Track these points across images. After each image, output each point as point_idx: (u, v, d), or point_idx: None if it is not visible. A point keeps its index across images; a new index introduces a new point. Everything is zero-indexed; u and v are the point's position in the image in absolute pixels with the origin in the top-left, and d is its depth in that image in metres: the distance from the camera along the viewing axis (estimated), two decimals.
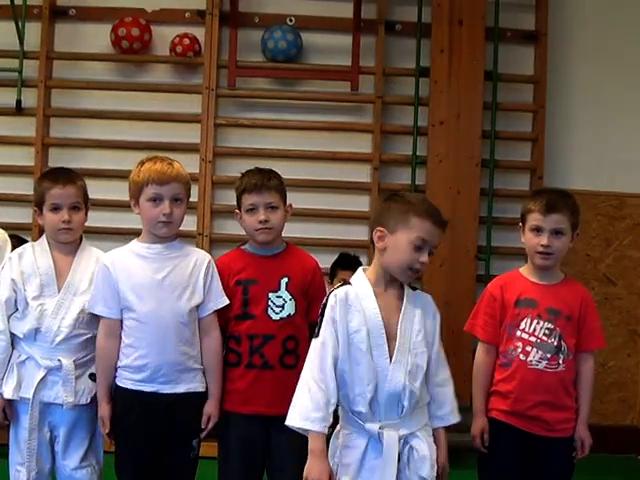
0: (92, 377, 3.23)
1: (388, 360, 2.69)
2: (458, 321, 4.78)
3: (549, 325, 3.22)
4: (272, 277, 3.29)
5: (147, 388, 3.15)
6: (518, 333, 3.24)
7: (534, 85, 5.43)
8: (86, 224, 3.36)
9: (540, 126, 5.37)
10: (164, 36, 5.34)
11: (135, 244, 3.28)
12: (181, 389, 3.19)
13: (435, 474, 2.73)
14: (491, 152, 5.31)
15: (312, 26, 5.39)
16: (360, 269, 2.83)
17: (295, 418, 2.64)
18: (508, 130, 5.42)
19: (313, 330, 2.79)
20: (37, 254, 3.27)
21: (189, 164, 3.35)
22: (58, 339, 3.18)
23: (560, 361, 3.21)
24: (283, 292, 3.28)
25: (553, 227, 3.23)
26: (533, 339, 3.22)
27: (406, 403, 2.70)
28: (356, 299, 2.71)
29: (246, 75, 5.39)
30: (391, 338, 2.71)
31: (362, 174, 5.40)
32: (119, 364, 3.19)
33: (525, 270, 3.37)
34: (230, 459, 3.27)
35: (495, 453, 3.27)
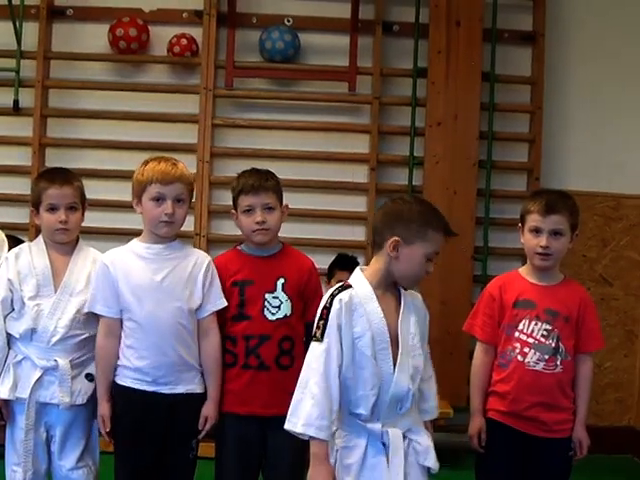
0: (88, 377, 3.23)
1: (391, 364, 2.69)
2: (455, 322, 4.81)
3: (547, 326, 3.23)
4: (268, 278, 3.29)
5: (147, 388, 3.16)
6: (516, 334, 3.25)
7: (531, 86, 5.43)
8: (83, 224, 3.36)
9: (537, 127, 5.37)
10: (162, 36, 5.33)
11: (135, 244, 3.28)
12: (181, 390, 3.19)
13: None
14: (488, 153, 5.32)
15: (310, 26, 5.39)
16: (358, 270, 2.81)
17: (297, 424, 2.63)
18: (505, 131, 5.43)
19: (309, 331, 2.78)
20: (34, 254, 3.27)
21: (186, 164, 3.34)
22: (54, 339, 3.18)
23: (558, 362, 3.22)
24: (279, 293, 3.28)
25: (552, 228, 3.23)
26: (531, 340, 3.23)
27: (407, 404, 2.72)
28: (359, 303, 2.70)
29: (243, 75, 5.39)
30: (392, 341, 2.71)
31: (359, 174, 5.40)
32: (119, 363, 3.19)
33: (524, 271, 3.37)
34: (226, 459, 3.28)
35: (492, 453, 3.27)
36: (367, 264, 2.93)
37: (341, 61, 5.32)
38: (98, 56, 5.36)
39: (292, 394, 2.68)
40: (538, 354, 3.21)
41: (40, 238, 3.33)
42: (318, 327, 2.68)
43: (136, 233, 3.34)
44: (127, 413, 3.17)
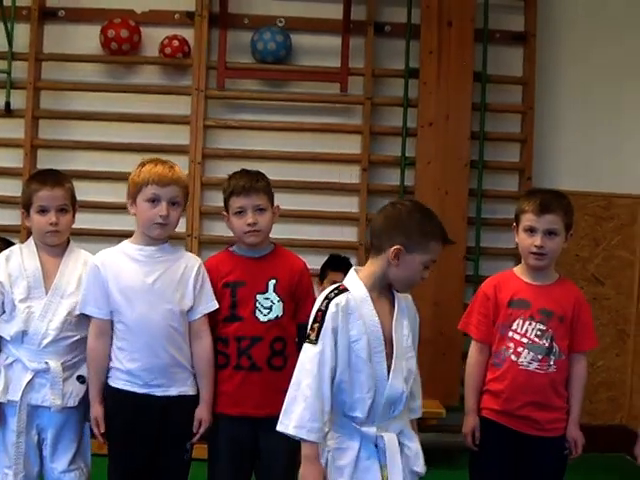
0: (80, 379, 3.23)
1: (385, 366, 2.70)
2: (447, 322, 4.83)
3: (541, 326, 3.23)
4: (260, 279, 3.29)
5: (139, 390, 3.16)
6: (510, 334, 3.25)
7: (523, 86, 5.44)
8: (74, 226, 3.36)
9: (529, 127, 5.38)
10: (153, 37, 5.33)
11: (127, 245, 3.27)
12: (173, 392, 3.19)
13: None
14: (480, 153, 5.32)
15: (301, 27, 5.39)
16: (352, 271, 2.81)
17: (289, 425, 2.63)
18: (497, 131, 5.44)
19: (301, 332, 2.77)
20: (24, 256, 3.26)
21: (178, 165, 3.35)
22: (45, 341, 3.17)
23: (551, 362, 3.22)
24: (271, 294, 3.28)
25: (547, 227, 3.24)
26: (525, 340, 3.23)
27: (400, 406, 2.73)
28: (355, 307, 2.69)
29: (235, 76, 5.39)
30: (387, 343, 2.71)
31: (351, 175, 5.40)
32: (111, 365, 3.19)
33: (519, 270, 3.37)
34: (219, 460, 3.28)
35: (485, 452, 3.28)
36: (359, 264, 2.93)
37: (333, 62, 5.32)
38: (90, 57, 5.35)
39: (284, 395, 2.67)
40: (532, 354, 3.22)
41: (31, 240, 3.33)
42: (312, 329, 2.68)
43: (127, 235, 3.33)
44: (119, 415, 3.16)
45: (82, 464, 3.28)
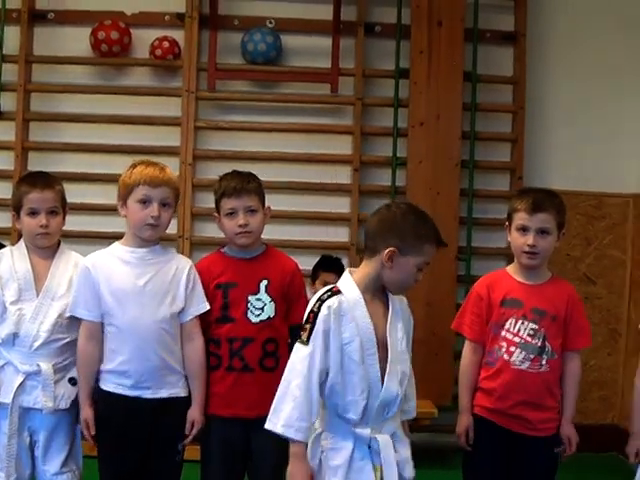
0: (71, 381, 3.22)
1: (378, 368, 2.69)
2: (440, 323, 4.83)
3: (534, 326, 3.24)
4: (251, 280, 3.29)
5: (130, 392, 3.15)
6: (503, 333, 3.26)
7: (513, 86, 5.45)
8: (65, 228, 3.35)
9: (519, 126, 5.38)
10: (144, 39, 5.32)
11: (118, 247, 3.27)
12: (164, 394, 3.18)
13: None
14: (471, 153, 5.32)
15: (292, 28, 5.39)
16: (347, 273, 2.80)
17: (277, 424, 2.64)
18: (487, 131, 5.44)
19: (293, 333, 2.77)
20: (15, 258, 3.26)
21: (169, 167, 3.34)
22: (37, 344, 3.16)
23: (543, 362, 3.23)
24: (262, 295, 3.28)
25: (539, 226, 3.24)
26: (517, 339, 3.24)
27: (394, 409, 2.74)
28: (348, 309, 2.69)
29: (226, 78, 5.38)
30: (380, 345, 2.71)
31: (342, 176, 5.40)
32: (102, 368, 3.18)
33: (512, 269, 3.38)
34: (211, 461, 3.28)
35: (478, 450, 3.29)
36: (351, 265, 2.94)
37: (323, 62, 5.31)
38: (80, 59, 5.34)
39: None
40: (524, 353, 3.22)
41: (22, 242, 3.32)
42: (304, 330, 2.68)
43: (118, 237, 3.33)
44: (110, 418, 3.16)
45: (74, 466, 3.27)
